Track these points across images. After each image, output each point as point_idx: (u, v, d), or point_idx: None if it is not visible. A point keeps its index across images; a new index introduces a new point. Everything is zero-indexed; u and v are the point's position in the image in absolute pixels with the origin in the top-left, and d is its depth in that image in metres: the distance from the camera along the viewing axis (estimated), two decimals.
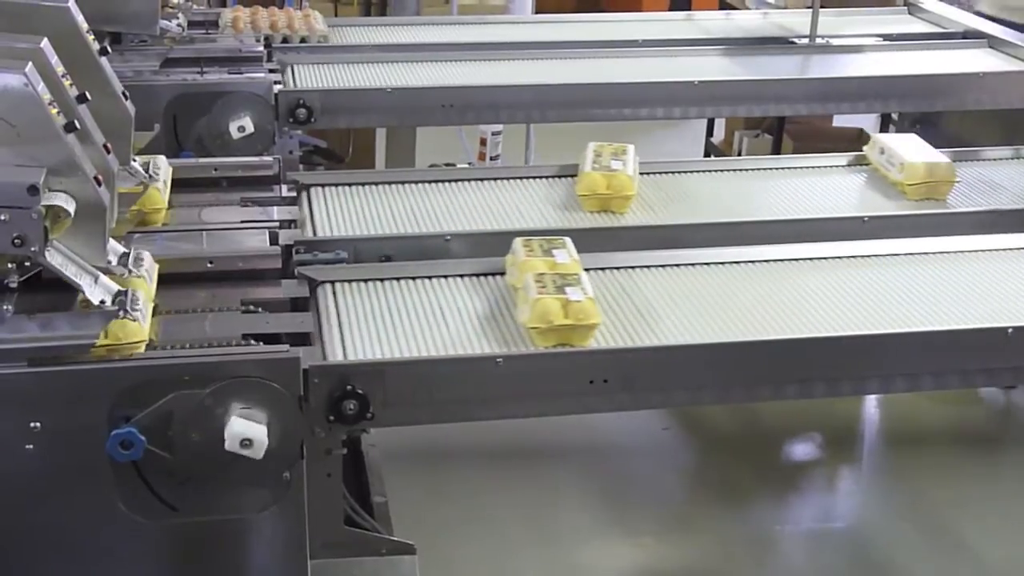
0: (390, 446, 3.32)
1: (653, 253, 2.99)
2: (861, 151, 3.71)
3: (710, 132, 6.89)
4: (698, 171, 3.65)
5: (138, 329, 2.31)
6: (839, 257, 3.02)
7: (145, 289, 2.45)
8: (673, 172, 3.62)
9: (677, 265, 2.96)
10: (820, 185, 3.55)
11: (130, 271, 2.49)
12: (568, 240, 2.82)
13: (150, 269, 2.55)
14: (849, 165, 3.69)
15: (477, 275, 2.85)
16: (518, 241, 2.81)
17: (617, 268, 2.92)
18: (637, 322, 2.67)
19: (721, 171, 3.66)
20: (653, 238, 3.09)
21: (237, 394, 2.25)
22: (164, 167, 3.06)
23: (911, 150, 3.52)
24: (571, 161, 3.48)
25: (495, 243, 3.00)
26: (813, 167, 3.71)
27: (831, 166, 3.70)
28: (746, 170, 3.67)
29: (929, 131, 4.82)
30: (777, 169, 3.69)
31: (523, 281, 2.63)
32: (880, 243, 3.08)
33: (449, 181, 3.45)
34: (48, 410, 2.21)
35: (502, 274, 2.84)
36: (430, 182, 3.43)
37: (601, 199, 3.27)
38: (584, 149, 3.45)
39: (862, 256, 3.03)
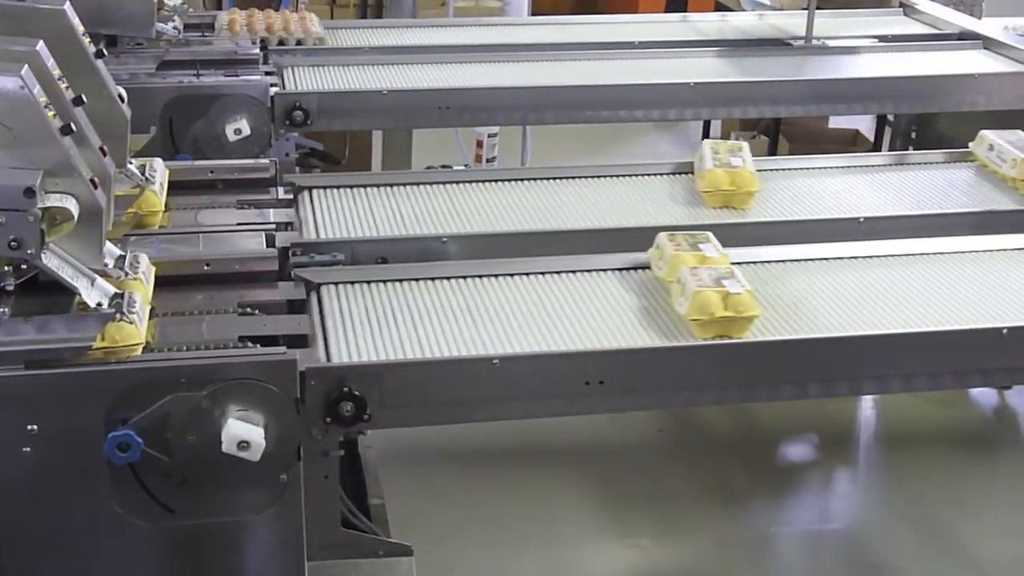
0: (387, 448, 3.32)
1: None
2: (856, 151, 3.72)
3: (706, 134, 6.90)
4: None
5: (135, 332, 2.31)
6: (833, 258, 3.03)
7: (142, 291, 2.45)
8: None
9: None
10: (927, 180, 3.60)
11: (127, 273, 2.49)
12: (711, 235, 2.86)
13: (147, 271, 2.55)
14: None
15: (474, 277, 2.85)
16: (663, 236, 2.85)
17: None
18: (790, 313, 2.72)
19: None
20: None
21: (234, 396, 2.26)
22: (161, 170, 3.06)
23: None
24: (566, 163, 3.49)
25: (491, 245, 3.01)
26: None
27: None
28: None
29: (924, 132, 4.85)
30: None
31: (678, 274, 2.67)
32: (876, 244, 3.08)
33: (445, 183, 3.45)
34: (45, 413, 2.21)
35: (498, 276, 2.84)
36: (426, 184, 3.43)
37: (724, 195, 3.31)
38: (700, 147, 3.51)
39: (856, 257, 3.03)
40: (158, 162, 3.09)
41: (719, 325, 2.55)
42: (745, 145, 3.52)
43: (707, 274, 2.64)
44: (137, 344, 2.31)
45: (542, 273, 2.87)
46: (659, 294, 2.78)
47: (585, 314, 2.70)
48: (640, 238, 2.99)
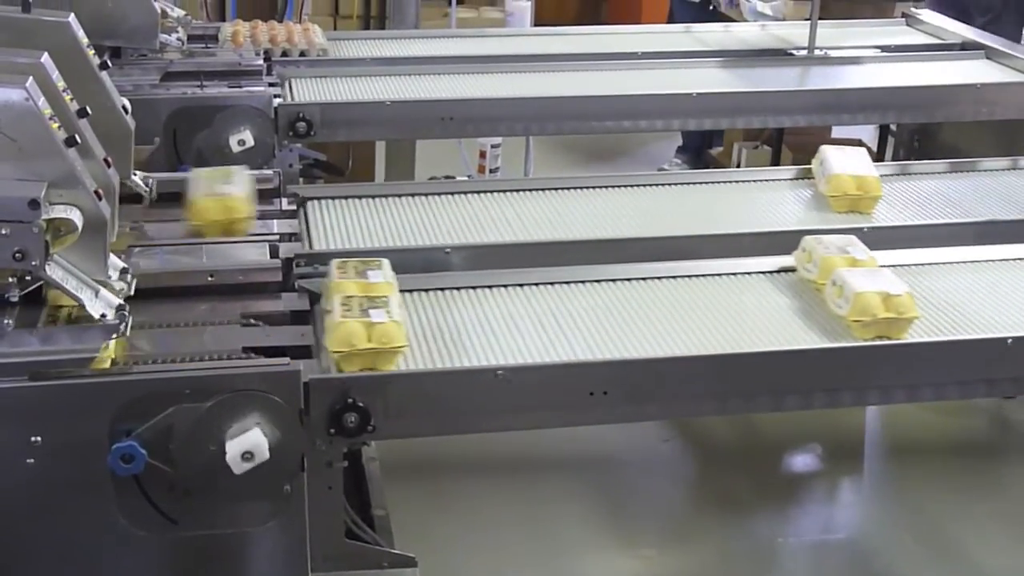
0: (391, 458, 3.32)
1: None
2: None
3: (709, 144, 6.90)
4: None
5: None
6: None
7: None
8: None
9: None
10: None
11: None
12: (854, 237, 2.94)
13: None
14: None
15: (478, 287, 2.86)
16: (809, 239, 2.91)
17: None
18: None
19: None
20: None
21: (238, 407, 2.26)
22: (245, 177, 3.11)
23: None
24: (569, 173, 3.49)
25: (495, 255, 3.01)
26: None
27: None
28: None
29: (927, 142, 4.86)
30: None
31: (831, 279, 2.73)
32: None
33: (448, 194, 3.45)
34: (49, 424, 2.21)
35: (501, 287, 2.84)
36: (429, 195, 3.43)
37: (851, 199, 3.37)
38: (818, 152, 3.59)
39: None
40: (244, 171, 3.15)
41: (879, 326, 2.61)
42: (863, 151, 3.62)
43: (870, 276, 2.70)
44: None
45: (546, 284, 2.87)
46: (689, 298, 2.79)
47: (592, 324, 2.70)
48: (653, 247, 3.01)
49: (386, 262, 2.75)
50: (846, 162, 3.46)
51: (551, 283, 2.87)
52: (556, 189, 3.51)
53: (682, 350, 2.61)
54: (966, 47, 4.91)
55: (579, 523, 3.93)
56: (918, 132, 4.95)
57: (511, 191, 3.48)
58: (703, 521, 3.99)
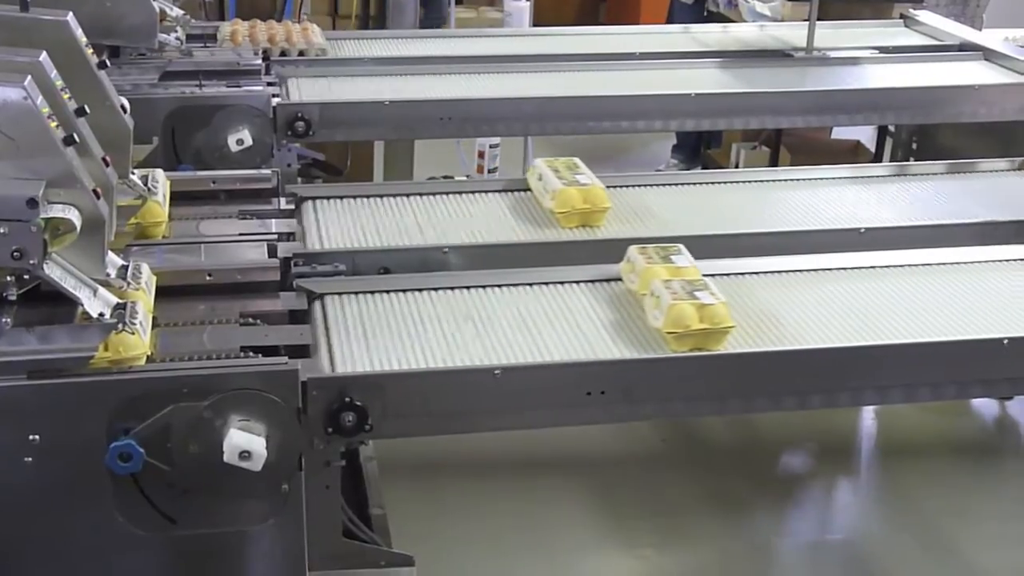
0: (389, 458, 3.32)
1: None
2: (858, 162, 3.73)
3: (707, 144, 6.90)
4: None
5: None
6: (835, 268, 3.03)
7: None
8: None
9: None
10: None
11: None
12: (682, 247, 2.85)
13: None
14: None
15: (476, 287, 2.86)
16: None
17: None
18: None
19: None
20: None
21: (236, 406, 2.26)
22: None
23: None
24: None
25: (493, 255, 3.01)
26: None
27: None
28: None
29: (925, 143, 4.86)
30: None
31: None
32: (876, 254, 3.09)
33: (446, 193, 3.45)
34: (47, 423, 2.21)
35: (499, 286, 2.85)
36: (428, 194, 3.43)
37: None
38: None
39: (858, 268, 3.04)
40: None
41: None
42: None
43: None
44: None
45: (546, 283, 2.87)
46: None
47: (591, 325, 2.71)
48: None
49: (683, 247, 2.82)
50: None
51: (549, 283, 2.87)
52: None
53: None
54: (964, 48, 4.92)
55: (577, 522, 3.94)
56: (916, 133, 4.95)
57: (509, 191, 3.49)
58: (701, 521, 3.99)
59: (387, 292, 2.82)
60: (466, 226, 3.25)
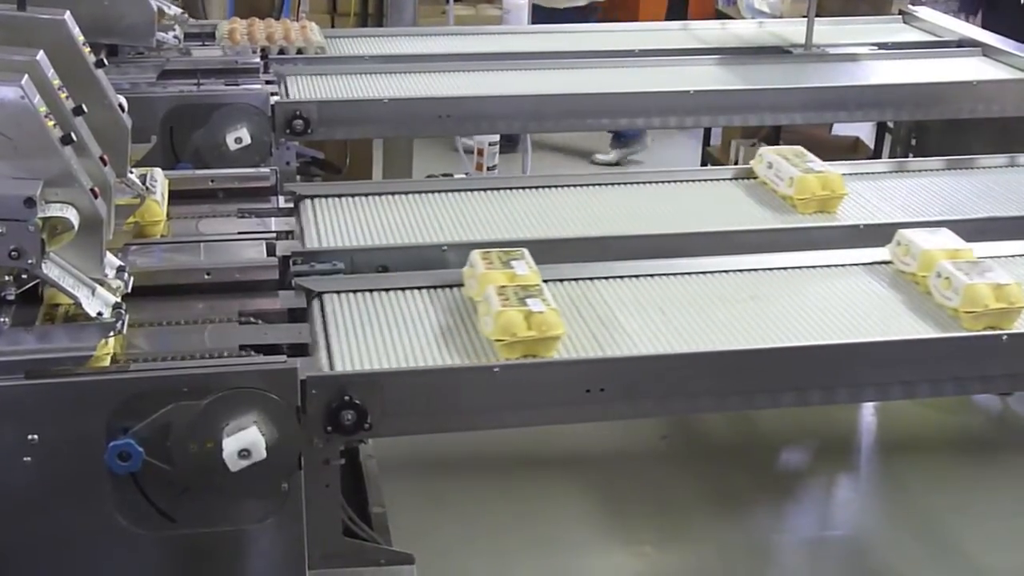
0: (388, 456, 3.32)
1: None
2: (857, 158, 3.73)
3: (707, 141, 6.90)
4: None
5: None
6: (836, 265, 3.03)
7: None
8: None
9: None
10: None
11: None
12: (526, 251, 2.80)
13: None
14: None
15: None
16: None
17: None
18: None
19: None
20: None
21: (235, 405, 2.26)
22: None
23: None
24: (566, 171, 3.49)
25: None
26: None
27: None
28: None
29: (924, 139, 4.86)
30: None
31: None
32: (875, 251, 3.08)
33: (445, 191, 3.45)
34: (46, 422, 2.21)
35: None
36: (427, 192, 3.43)
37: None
38: None
39: (858, 264, 3.03)
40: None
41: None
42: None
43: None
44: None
45: (544, 282, 2.87)
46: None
47: (587, 322, 2.71)
48: (646, 245, 3.02)
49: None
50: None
51: (548, 281, 2.87)
52: (553, 187, 3.50)
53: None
54: (963, 44, 4.92)
55: (577, 519, 3.94)
56: (916, 129, 4.95)
57: (508, 189, 3.48)
58: (702, 517, 3.99)
59: (386, 290, 2.82)
60: (465, 224, 3.24)
